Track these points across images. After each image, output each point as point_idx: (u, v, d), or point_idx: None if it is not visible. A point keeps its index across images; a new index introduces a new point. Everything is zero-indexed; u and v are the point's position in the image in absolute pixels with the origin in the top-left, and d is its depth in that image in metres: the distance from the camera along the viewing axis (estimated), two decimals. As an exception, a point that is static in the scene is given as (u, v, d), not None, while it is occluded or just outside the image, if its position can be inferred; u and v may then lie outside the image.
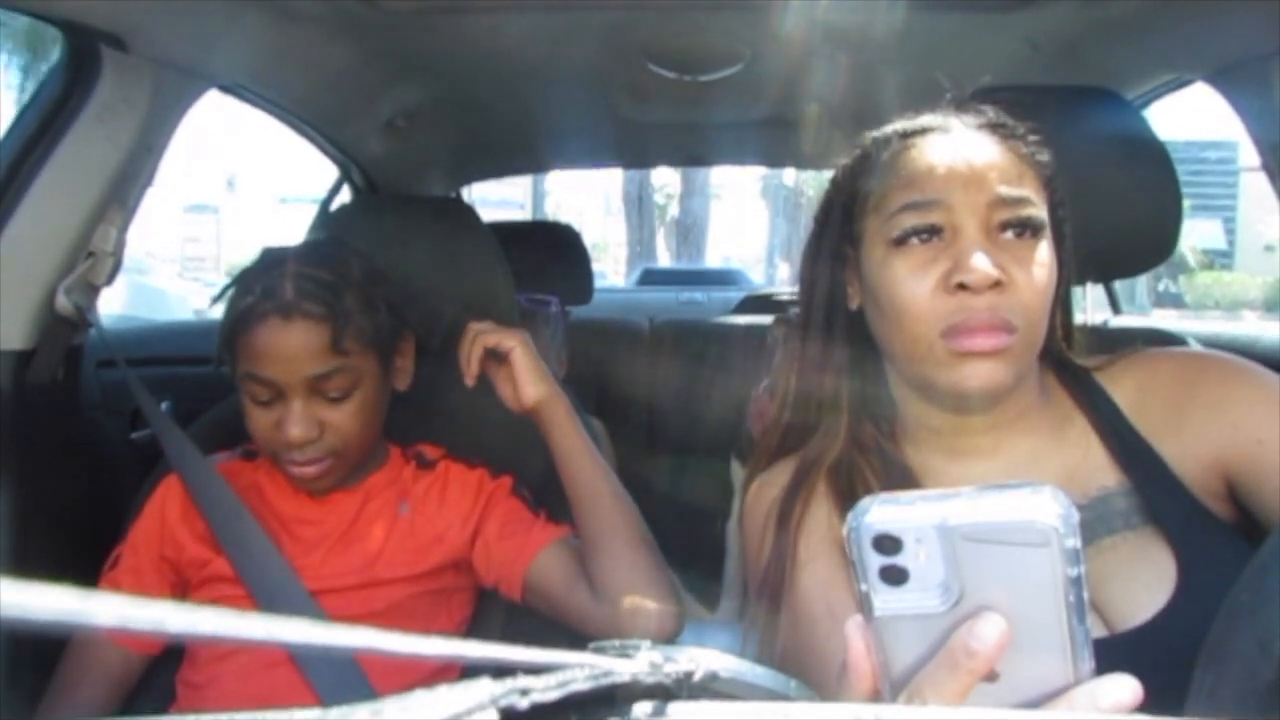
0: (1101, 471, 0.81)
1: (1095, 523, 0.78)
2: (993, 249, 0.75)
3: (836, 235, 0.86)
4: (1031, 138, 0.82)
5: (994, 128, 0.81)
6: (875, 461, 0.84)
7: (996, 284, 0.73)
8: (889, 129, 0.84)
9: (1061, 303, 0.85)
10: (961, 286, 0.74)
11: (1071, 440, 0.83)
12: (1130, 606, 0.73)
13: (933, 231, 0.77)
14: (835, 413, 0.86)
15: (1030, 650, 0.40)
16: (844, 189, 0.86)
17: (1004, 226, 0.76)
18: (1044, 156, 0.82)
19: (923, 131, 0.81)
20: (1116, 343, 0.90)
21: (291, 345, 1.01)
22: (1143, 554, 0.76)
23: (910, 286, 0.77)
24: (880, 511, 0.40)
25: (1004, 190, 0.76)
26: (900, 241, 0.78)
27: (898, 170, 0.80)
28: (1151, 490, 0.78)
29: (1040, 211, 0.77)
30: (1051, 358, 0.86)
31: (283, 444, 1.04)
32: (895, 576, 0.40)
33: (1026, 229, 0.76)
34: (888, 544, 0.40)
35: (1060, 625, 0.39)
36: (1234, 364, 0.82)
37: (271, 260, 1.08)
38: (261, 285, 1.03)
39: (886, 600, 0.41)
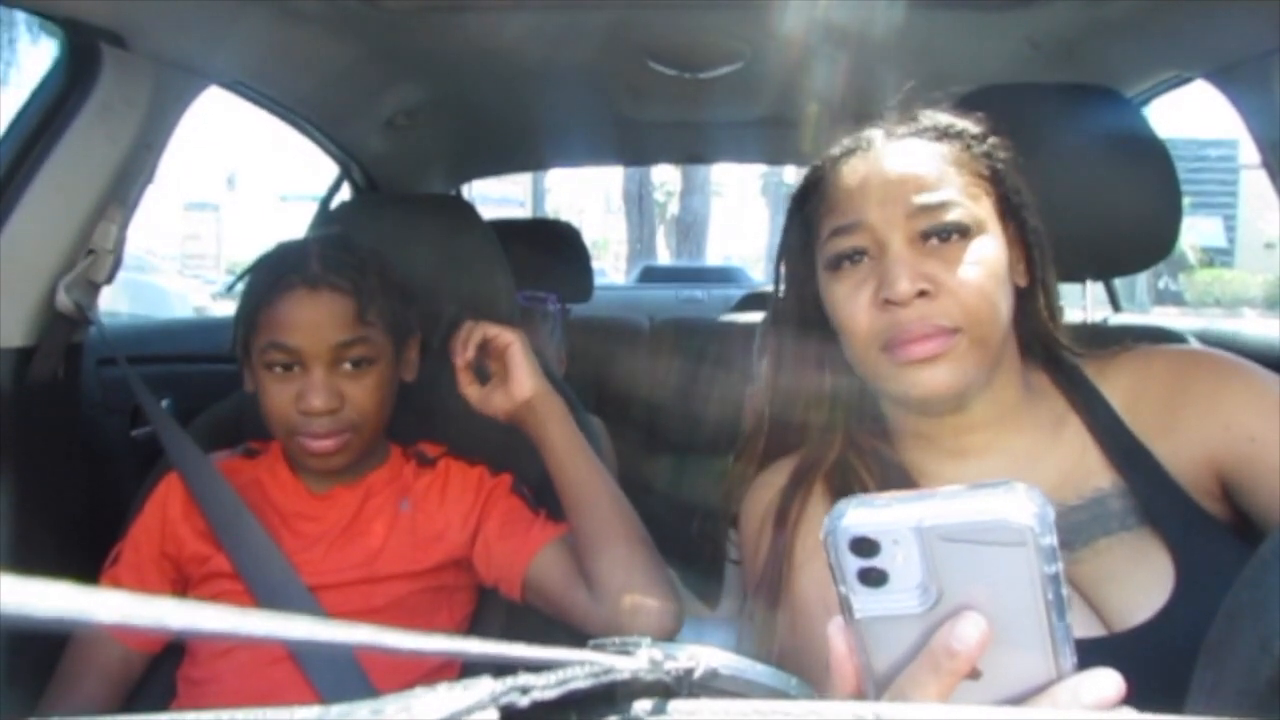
0: (1096, 472, 0.81)
1: (1091, 524, 0.78)
2: (918, 258, 0.76)
3: (798, 259, 0.88)
4: (972, 132, 0.82)
5: (923, 132, 0.82)
6: (872, 463, 0.85)
7: (923, 294, 0.75)
8: (825, 155, 0.86)
9: (1043, 293, 0.85)
10: (889, 301, 0.75)
11: (1066, 440, 0.83)
12: (1128, 607, 0.73)
13: (859, 253, 0.79)
14: (832, 416, 0.87)
15: (1012, 648, 0.40)
16: (795, 216, 0.88)
17: (927, 234, 0.77)
18: (983, 149, 0.82)
19: (848, 153, 0.83)
20: (1116, 341, 0.90)
21: (318, 314, 1.04)
22: (1139, 555, 0.76)
23: (848, 308, 0.79)
24: (856, 514, 0.41)
25: (920, 199, 0.77)
26: (834, 266, 0.80)
27: (825, 196, 0.83)
28: (1147, 490, 0.78)
29: (969, 211, 0.78)
30: (1038, 356, 0.87)
31: (302, 416, 1.05)
32: (874, 578, 0.41)
33: (952, 233, 0.77)
34: (865, 546, 0.40)
35: (1040, 622, 0.40)
36: (1226, 361, 0.82)
37: (290, 246, 1.12)
38: (286, 263, 1.07)
39: (866, 602, 0.41)
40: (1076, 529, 0.77)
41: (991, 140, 0.82)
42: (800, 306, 0.88)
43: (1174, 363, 0.84)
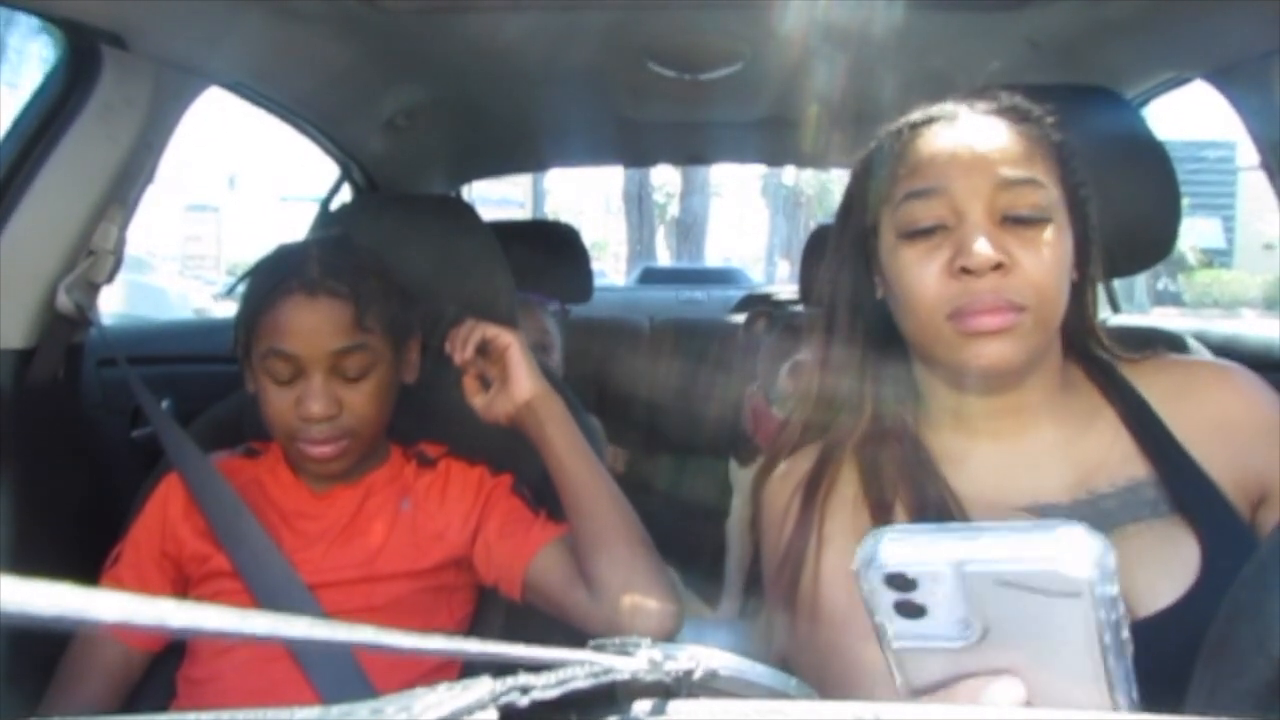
0: (1130, 462, 0.81)
1: (1120, 510, 0.79)
2: (997, 232, 0.76)
3: (858, 228, 0.87)
4: (1049, 119, 0.82)
5: (1005, 112, 0.82)
6: (897, 449, 0.84)
7: (999, 266, 0.75)
8: (900, 121, 0.85)
9: (1090, 289, 0.86)
10: (965, 270, 0.75)
11: (1098, 430, 0.84)
12: (1152, 592, 0.74)
13: (937, 221, 0.78)
14: (856, 401, 0.87)
15: (1062, 683, 0.38)
16: (860, 182, 0.87)
17: (1009, 212, 0.77)
18: (1059, 138, 0.82)
19: (929, 121, 0.82)
20: (1148, 345, 0.90)
21: (316, 320, 1.04)
22: (1167, 541, 0.77)
23: (916, 273, 0.78)
24: (892, 550, 0.38)
25: (1007, 172, 0.77)
26: (907, 231, 0.79)
27: (904, 160, 0.81)
28: (1179, 480, 0.79)
29: (1048, 193, 0.78)
30: (1076, 351, 0.87)
31: (301, 422, 1.05)
32: (911, 610, 0.38)
33: (1031, 218, 0.77)
34: (901, 581, 0.38)
35: (1095, 665, 0.37)
36: (1277, 402, 0.83)
37: (290, 249, 1.12)
38: (285, 268, 1.07)
39: (903, 631, 0.39)
40: (1106, 516, 0.78)
41: (1064, 130, 0.83)
42: (853, 280, 0.87)
43: (1226, 388, 0.84)
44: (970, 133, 0.80)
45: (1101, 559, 0.35)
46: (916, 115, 0.84)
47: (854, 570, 0.39)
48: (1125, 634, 0.37)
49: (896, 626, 0.39)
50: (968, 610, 0.37)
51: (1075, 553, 0.35)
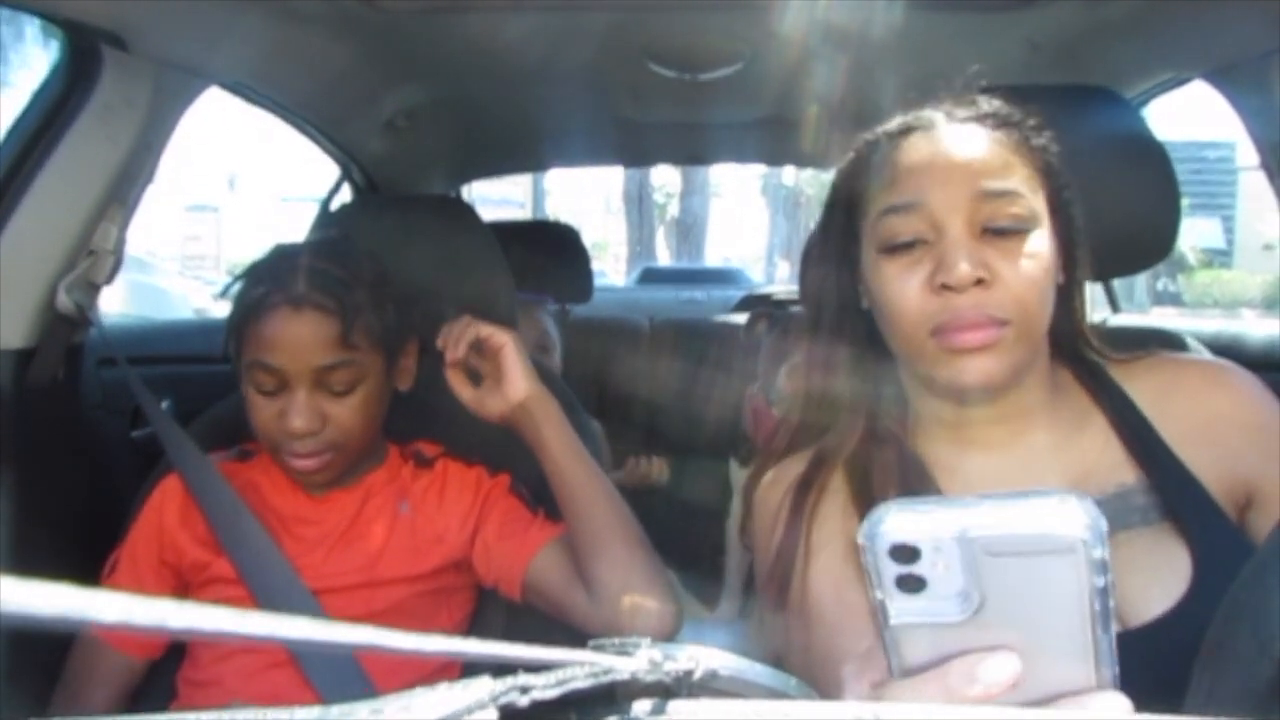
0: (1120, 468, 0.81)
1: (1111, 518, 0.77)
2: (978, 245, 0.75)
3: (841, 238, 0.86)
4: (1030, 123, 0.81)
5: (984, 119, 0.81)
6: (890, 455, 0.84)
7: (980, 281, 0.74)
8: (879, 130, 0.84)
9: (1078, 291, 0.85)
10: (946, 286, 0.74)
11: (1089, 436, 0.83)
12: (1144, 600, 0.74)
13: (916, 236, 0.77)
14: (851, 408, 0.87)
15: (1051, 657, 0.39)
16: (842, 192, 0.86)
17: (989, 224, 0.76)
18: (1041, 141, 0.81)
19: (906, 131, 0.81)
20: (1140, 345, 0.90)
21: (300, 335, 1.02)
22: (1158, 549, 0.76)
23: (898, 288, 0.78)
24: (897, 520, 0.39)
25: (988, 184, 0.76)
26: (886, 246, 0.79)
27: (882, 172, 0.80)
28: (1169, 488, 0.78)
29: (1029, 204, 0.77)
30: (1065, 354, 0.87)
31: (284, 435, 1.04)
32: (912, 585, 0.39)
33: (1013, 229, 0.76)
34: (905, 553, 0.39)
35: (1085, 634, 0.38)
36: (1269, 396, 0.82)
37: (283, 254, 1.10)
38: (273, 277, 1.05)
39: (903, 608, 0.40)
40: None
41: (1047, 133, 0.82)
42: (838, 288, 0.87)
43: (1213, 385, 0.83)
44: (948, 143, 0.78)
45: (1094, 522, 0.37)
46: (894, 124, 0.83)
47: (859, 543, 0.39)
48: (1111, 604, 0.38)
49: (897, 602, 0.40)
50: (966, 582, 0.38)
51: (1070, 515, 0.37)
